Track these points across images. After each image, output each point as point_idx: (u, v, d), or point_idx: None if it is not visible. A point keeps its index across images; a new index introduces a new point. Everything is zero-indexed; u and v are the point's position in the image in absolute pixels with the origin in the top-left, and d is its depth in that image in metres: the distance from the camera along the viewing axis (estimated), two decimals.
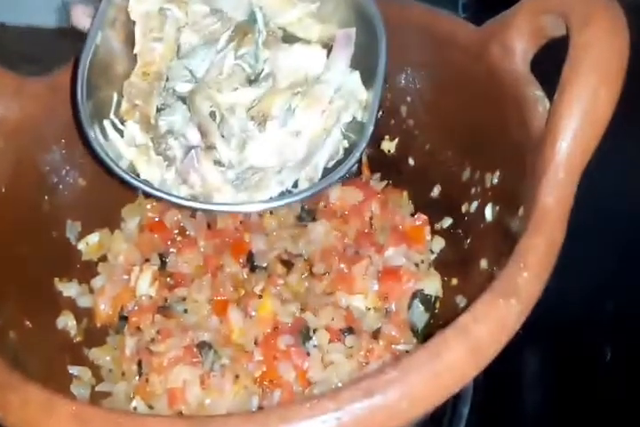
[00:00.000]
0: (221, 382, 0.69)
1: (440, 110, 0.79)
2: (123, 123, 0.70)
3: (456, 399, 0.79)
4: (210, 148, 0.68)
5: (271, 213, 0.86)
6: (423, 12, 0.76)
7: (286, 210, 0.86)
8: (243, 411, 0.67)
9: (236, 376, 0.69)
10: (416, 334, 0.76)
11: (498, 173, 0.69)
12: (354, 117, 0.70)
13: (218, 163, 0.69)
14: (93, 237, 0.82)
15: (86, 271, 0.81)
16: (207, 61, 0.71)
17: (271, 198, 0.67)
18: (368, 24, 0.70)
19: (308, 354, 0.71)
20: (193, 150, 0.68)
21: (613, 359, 0.80)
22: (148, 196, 0.70)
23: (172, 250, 0.84)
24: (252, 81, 0.72)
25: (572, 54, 0.52)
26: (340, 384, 0.69)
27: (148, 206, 0.86)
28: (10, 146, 0.71)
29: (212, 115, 0.70)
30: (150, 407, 0.70)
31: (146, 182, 0.67)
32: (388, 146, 0.87)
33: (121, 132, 0.69)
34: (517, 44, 0.63)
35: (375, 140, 0.88)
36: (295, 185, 0.69)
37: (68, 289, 0.77)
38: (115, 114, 0.69)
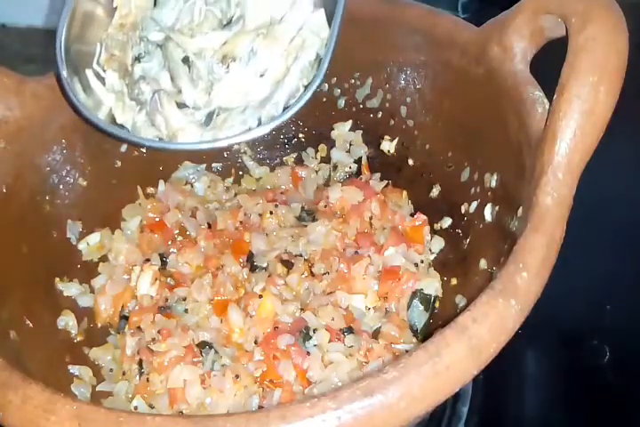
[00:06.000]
0: (222, 382, 0.69)
1: (440, 111, 0.79)
2: (105, 71, 0.73)
3: (455, 399, 0.80)
4: (179, 91, 0.71)
5: (271, 212, 0.86)
6: (423, 13, 0.76)
7: (286, 210, 0.87)
8: (243, 410, 0.68)
9: (237, 376, 0.69)
10: (416, 333, 0.76)
11: (497, 174, 0.69)
12: (317, 54, 0.71)
13: (183, 105, 0.71)
14: (94, 237, 0.82)
15: (87, 271, 0.81)
16: (176, 10, 0.73)
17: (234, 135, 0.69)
18: None
19: (308, 354, 0.71)
20: (156, 94, 0.70)
21: (612, 359, 0.80)
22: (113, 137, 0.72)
23: (172, 250, 0.84)
24: (224, 25, 0.73)
25: (572, 54, 0.53)
26: (339, 384, 0.69)
27: (149, 206, 0.87)
28: (11, 146, 0.71)
29: (185, 60, 0.72)
30: (151, 407, 0.70)
31: (113, 127, 0.70)
32: (388, 146, 0.88)
33: (103, 81, 0.73)
34: (517, 44, 0.63)
35: (375, 141, 0.89)
36: (259, 124, 0.70)
37: (69, 289, 0.78)
38: (97, 64, 0.73)
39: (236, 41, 0.70)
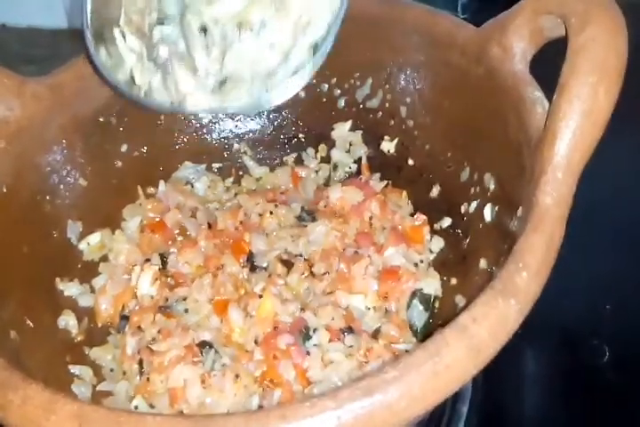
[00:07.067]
0: (222, 382, 0.69)
1: (439, 111, 0.79)
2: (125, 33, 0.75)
3: (455, 398, 0.80)
4: (191, 57, 0.72)
5: (271, 212, 0.86)
6: (423, 13, 0.76)
7: (286, 210, 0.87)
8: (243, 410, 0.67)
9: (237, 376, 0.69)
10: (415, 333, 0.76)
11: (497, 174, 0.69)
12: (328, 28, 0.70)
13: (194, 70, 0.72)
14: (94, 237, 0.82)
15: (87, 271, 0.81)
16: None
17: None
18: None
19: (308, 353, 0.71)
20: (168, 59, 0.72)
21: (612, 359, 0.80)
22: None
23: (172, 250, 0.84)
24: None
25: (571, 55, 0.53)
26: (339, 383, 0.69)
27: (149, 206, 0.87)
28: (11, 146, 0.71)
29: (202, 29, 0.73)
30: (151, 407, 0.70)
31: (128, 86, 0.73)
32: (388, 146, 0.88)
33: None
34: (517, 44, 0.63)
35: (375, 141, 0.89)
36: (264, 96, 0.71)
37: (70, 289, 0.78)
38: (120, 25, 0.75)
39: (251, 9, 0.71)
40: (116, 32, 0.73)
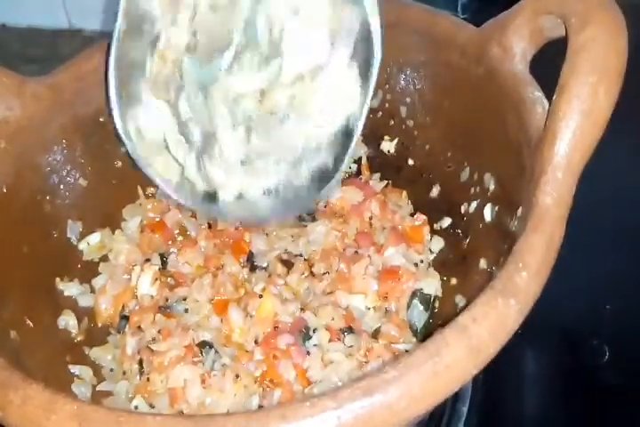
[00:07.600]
0: (222, 382, 0.69)
1: (439, 111, 0.79)
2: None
3: (455, 398, 0.80)
4: (217, 138, 0.70)
5: None
6: (422, 13, 0.76)
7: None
8: (243, 410, 0.67)
9: (237, 376, 0.69)
10: (415, 333, 0.76)
11: (497, 174, 0.69)
12: (348, 119, 0.68)
13: (221, 152, 0.71)
14: (94, 237, 0.82)
15: (87, 271, 0.81)
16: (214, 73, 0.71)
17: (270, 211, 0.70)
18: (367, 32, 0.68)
19: (308, 353, 0.71)
20: (199, 157, 0.70)
21: (612, 359, 0.80)
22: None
23: (172, 250, 0.84)
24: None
25: (571, 55, 0.53)
26: (339, 383, 0.69)
27: (149, 206, 0.87)
28: (11, 146, 0.71)
29: (227, 103, 0.71)
30: (151, 406, 0.70)
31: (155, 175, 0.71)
32: (388, 146, 0.88)
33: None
34: (517, 44, 0.63)
35: (375, 141, 0.89)
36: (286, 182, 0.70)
37: (69, 289, 0.77)
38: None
39: (273, 95, 0.69)
40: (145, 87, 0.70)
